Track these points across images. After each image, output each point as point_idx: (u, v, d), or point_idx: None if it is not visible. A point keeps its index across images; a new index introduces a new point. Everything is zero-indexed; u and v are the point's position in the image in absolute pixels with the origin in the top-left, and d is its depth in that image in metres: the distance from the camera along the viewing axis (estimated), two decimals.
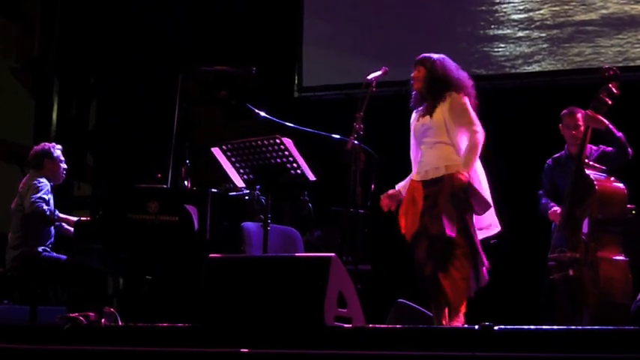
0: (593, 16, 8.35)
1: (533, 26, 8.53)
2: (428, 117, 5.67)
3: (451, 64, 5.75)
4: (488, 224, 5.70)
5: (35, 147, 7.17)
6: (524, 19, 8.56)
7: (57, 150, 7.09)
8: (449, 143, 5.62)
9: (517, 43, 8.54)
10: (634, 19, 8.20)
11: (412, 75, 5.78)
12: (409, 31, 8.77)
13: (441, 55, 5.79)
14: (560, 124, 6.39)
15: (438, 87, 5.68)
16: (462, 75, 5.76)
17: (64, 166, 7.11)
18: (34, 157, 7.09)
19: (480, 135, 5.58)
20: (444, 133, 5.61)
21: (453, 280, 5.45)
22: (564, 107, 6.44)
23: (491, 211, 5.66)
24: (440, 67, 5.69)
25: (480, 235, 5.63)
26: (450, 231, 5.45)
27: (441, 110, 5.63)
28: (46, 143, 7.19)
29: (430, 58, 5.75)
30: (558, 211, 6.20)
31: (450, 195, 5.50)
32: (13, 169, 9.66)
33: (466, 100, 5.65)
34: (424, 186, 5.63)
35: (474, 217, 5.61)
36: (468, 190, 5.50)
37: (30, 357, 4.74)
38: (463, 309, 5.49)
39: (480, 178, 5.62)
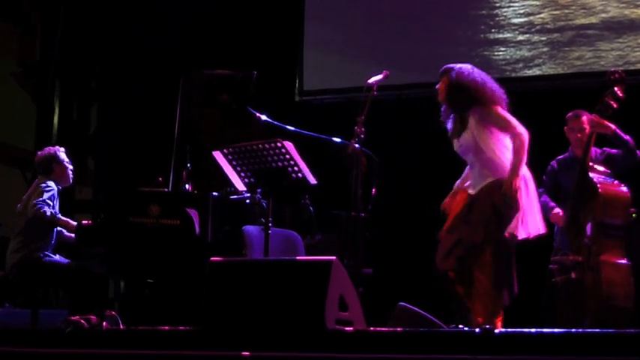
0: (593, 20, 8.35)
1: (533, 30, 8.52)
2: (456, 140, 5.58)
3: (473, 75, 5.54)
4: (530, 224, 5.54)
5: (39, 152, 7.10)
6: (525, 23, 8.55)
7: (62, 153, 7.05)
8: (489, 158, 5.48)
9: (517, 47, 8.53)
10: (634, 22, 8.20)
11: (437, 87, 5.66)
12: (410, 35, 8.76)
13: (464, 66, 5.60)
14: (566, 127, 6.38)
15: (458, 100, 5.54)
16: (488, 87, 5.53)
17: (70, 167, 7.08)
18: (42, 163, 7.01)
19: (522, 137, 5.44)
20: (479, 151, 5.49)
21: (477, 287, 5.37)
22: (565, 111, 6.43)
23: (533, 213, 5.53)
24: (457, 79, 5.52)
25: (521, 235, 5.52)
26: (477, 238, 5.37)
27: (469, 131, 5.50)
28: (50, 147, 7.13)
29: (452, 69, 5.59)
30: (560, 214, 6.19)
31: (487, 203, 5.41)
32: (14, 173, 9.69)
33: (494, 108, 5.48)
34: (468, 196, 5.58)
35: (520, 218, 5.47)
36: (508, 198, 5.33)
37: None
38: (494, 316, 5.33)
39: (526, 183, 5.50)
